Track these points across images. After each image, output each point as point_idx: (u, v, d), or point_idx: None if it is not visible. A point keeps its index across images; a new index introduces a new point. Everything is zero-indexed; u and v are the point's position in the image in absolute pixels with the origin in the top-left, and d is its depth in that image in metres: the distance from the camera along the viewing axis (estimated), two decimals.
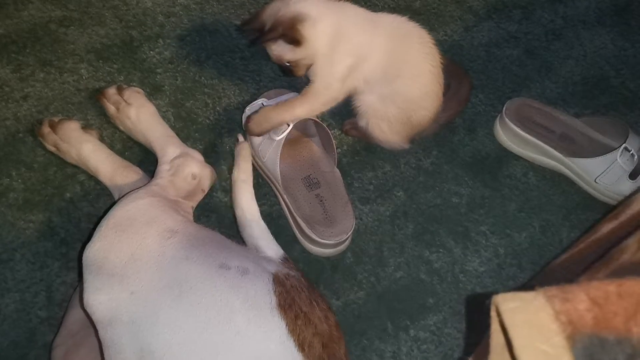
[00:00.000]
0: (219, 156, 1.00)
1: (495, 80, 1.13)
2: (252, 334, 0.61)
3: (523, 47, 1.18)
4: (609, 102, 1.13)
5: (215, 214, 0.95)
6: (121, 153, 0.97)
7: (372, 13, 0.91)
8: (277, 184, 0.95)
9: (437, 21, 1.20)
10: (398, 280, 0.92)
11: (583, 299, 0.32)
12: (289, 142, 0.97)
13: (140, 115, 0.94)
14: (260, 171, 0.99)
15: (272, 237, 0.82)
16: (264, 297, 0.64)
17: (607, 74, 1.17)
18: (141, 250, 0.66)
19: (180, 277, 0.64)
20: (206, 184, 0.91)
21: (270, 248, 0.80)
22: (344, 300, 0.90)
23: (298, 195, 0.95)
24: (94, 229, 0.70)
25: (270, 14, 0.87)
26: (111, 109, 0.97)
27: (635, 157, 0.97)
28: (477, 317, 0.85)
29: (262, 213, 0.94)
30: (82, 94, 1.03)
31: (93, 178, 0.93)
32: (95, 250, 0.67)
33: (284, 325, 0.62)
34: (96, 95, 1.00)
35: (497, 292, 0.36)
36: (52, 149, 0.94)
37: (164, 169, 0.87)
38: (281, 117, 0.91)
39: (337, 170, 0.98)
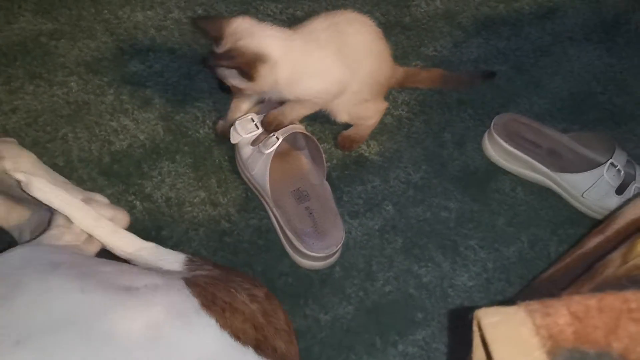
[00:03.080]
0: (208, 169, 1.00)
1: (484, 96, 1.14)
2: (186, 341, 0.59)
3: (511, 63, 1.19)
4: (596, 118, 1.14)
5: (202, 228, 0.94)
6: (109, 166, 0.97)
7: (310, 29, 0.92)
8: (266, 197, 0.95)
9: (427, 37, 1.21)
10: (387, 295, 0.92)
11: (564, 313, 0.32)
12: (279, 155, 0.97)
13: (19, 166, 0.78)
14: (250, 184, 0.99)
15: (166, 250, 0.74)
16: (185, 303, 0.61)
17: (594, 90, 1.18)
18: (17, 293, 0.57)
19: (80, 312, 0.57)
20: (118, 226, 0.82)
21: (171, 262, 0.73)
22: (333, 314, 0.89)
23: (287, 208, 0.95)
24: None
25: (232, 33, 0.86)
26: None
27: (622, 172, 0.98)
28: (462, 332, 0.85)
29: (251, 227, 0.95)
30: (72, 106, 1.03)
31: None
32: None
33: (215, 322, 0.61)
34: None
35: (480, 306, 0.36)
36: None
37: (59, 217, 0.74)
38: (290, 115, 0.96)
39: (327, 183, 0.98)
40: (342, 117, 1.01)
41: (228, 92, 0.94)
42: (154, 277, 0.65)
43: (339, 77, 0.93)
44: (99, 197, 0.82)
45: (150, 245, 0.74)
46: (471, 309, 0.36)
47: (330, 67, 0.92)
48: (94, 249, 0.76)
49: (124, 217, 0.82)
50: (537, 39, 1.24)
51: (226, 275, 0.70)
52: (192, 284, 0.65)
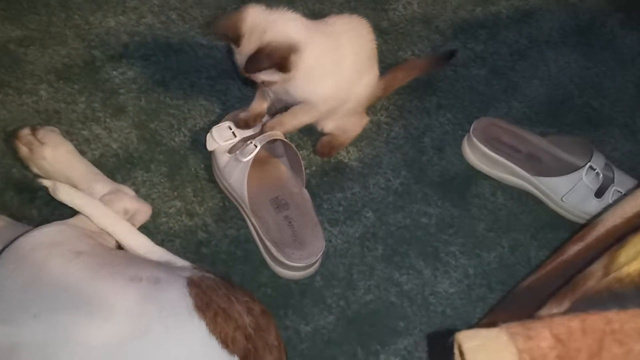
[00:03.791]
0: (183, 179, 0.98)
1: (463, 100, 1.14)
2: (172, 340, 0.61)
3: (489, 67, 1.19)
4: (574, 121, 1.14)
5: (179, 239, 0.92)
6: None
7: (330, 26, 0.91)
8: (244, 207, 0.93)
9: (405, 41, 1.21)
10: (368, 304, 0.91)
11: (546, 336, 0.31)
12: (257, 162, 0.95)
13: (57, 154, 0.88)
14: (227, 193, 0.97)
15: (174, 257, 0.78)
16: (179, 302, 0.64)
17: (572, 93, 1.18)
18: (43, 272, 0.64)
19: (88, 295, 0.63)
20: (139, 219, 0.88)
21: (178, 263, 0.77)
22: (313, 325, 0.88)
23: (266, 218, 0.93)
24: None
25: (251, 28, 0.84)
26: (23, 150, 0.89)
27: (600, 175, 0.98)
28: (441, 356, 0.84)
29: (229, 237, 0.93)
30: (42, 116, 1.00)
31: (50, 204, 0.89)
32: None
33: (204, 325, 0.62)
34: (10, 139, 0.93)
35: (458, 329, 0.34)
36: None
37: None
38: (290, 123, 0.96)
39: (306, 191, 0.96)
40: (328, 126, 1.00)
41: (253, 86, 0.92)
42: (159, 271, 0.68)
43: (349, 86, 0.93)
44: (126, 189, 0.89)
45: (159, 250, 0.78)
46: (450, 332, 0.35)
47: (345, 73, 0.92)
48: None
49: (147, 210, 0.90)
50: (514, 43, 1.24)
51: (228, 284, 0.71)
52: (193, 284, 0.66)
